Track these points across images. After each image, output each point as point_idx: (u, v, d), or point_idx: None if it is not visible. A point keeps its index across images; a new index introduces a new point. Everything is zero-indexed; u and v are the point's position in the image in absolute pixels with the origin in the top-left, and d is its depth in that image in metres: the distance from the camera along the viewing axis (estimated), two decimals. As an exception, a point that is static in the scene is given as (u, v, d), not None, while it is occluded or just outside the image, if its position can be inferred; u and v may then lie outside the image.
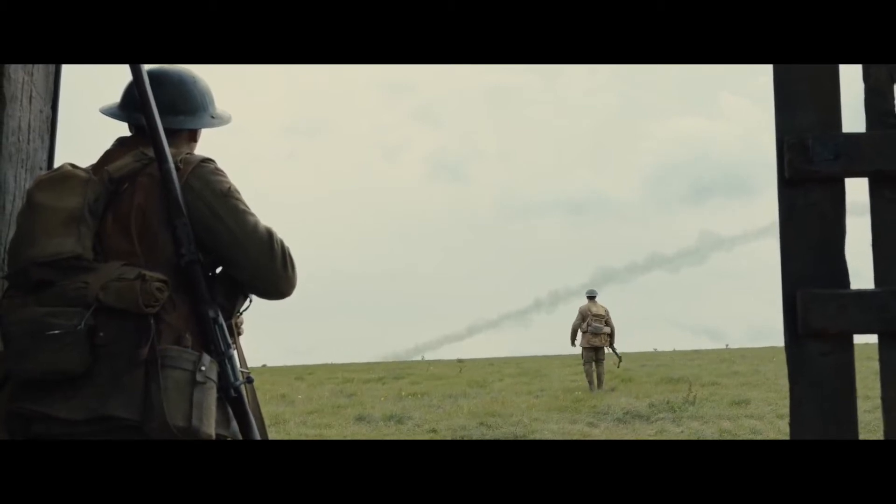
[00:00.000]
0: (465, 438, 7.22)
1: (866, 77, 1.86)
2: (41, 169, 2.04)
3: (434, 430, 7.77)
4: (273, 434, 7.71)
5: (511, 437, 7.22)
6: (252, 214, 1.76)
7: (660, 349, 28.90)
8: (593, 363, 12.84)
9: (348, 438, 7.43)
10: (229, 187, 1.76)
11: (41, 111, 2.03)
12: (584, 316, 13.11)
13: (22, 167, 1.93)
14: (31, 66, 1.99)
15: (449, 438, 7.24)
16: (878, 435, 1.70)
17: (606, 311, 13.21)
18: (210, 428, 1.60)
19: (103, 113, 1.86)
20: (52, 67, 2.08)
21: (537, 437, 7.24)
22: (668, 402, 9.62)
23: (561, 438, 7.10)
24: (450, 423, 8.19)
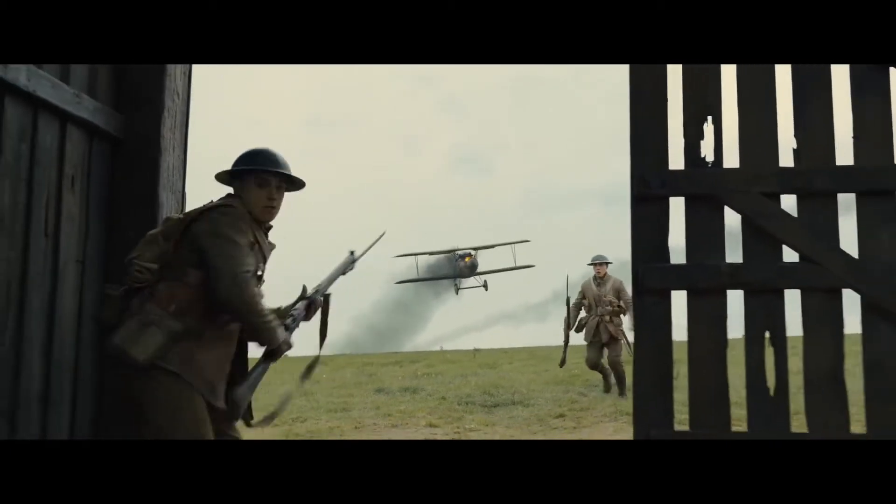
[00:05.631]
0: (470, 404, 8.42)
1: (685, 134, 3.02)
2: (179, 192, 3.26)
3: (444, 398, 8.97)
4: (303, 403, 8.79)
5: (509, 403, 8.42)
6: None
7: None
8: (600, 361, 9.10)
9: (369, 406, 8.57)
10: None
11: (179, 156, 3.25)
12: (585, 295, 9.37)
13: (171, 192, 3.16)
14: (174, 124, 3.20)
15: (456, 405, 8.43)
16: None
17: (622, 284, 9.15)
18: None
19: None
20: (184, 128, 3.30)
21: (531, 402, 8.44)
22: (654, 378, 10.63)
23: (552, 405, 8.28)
24: (458, 393, 9.40)
